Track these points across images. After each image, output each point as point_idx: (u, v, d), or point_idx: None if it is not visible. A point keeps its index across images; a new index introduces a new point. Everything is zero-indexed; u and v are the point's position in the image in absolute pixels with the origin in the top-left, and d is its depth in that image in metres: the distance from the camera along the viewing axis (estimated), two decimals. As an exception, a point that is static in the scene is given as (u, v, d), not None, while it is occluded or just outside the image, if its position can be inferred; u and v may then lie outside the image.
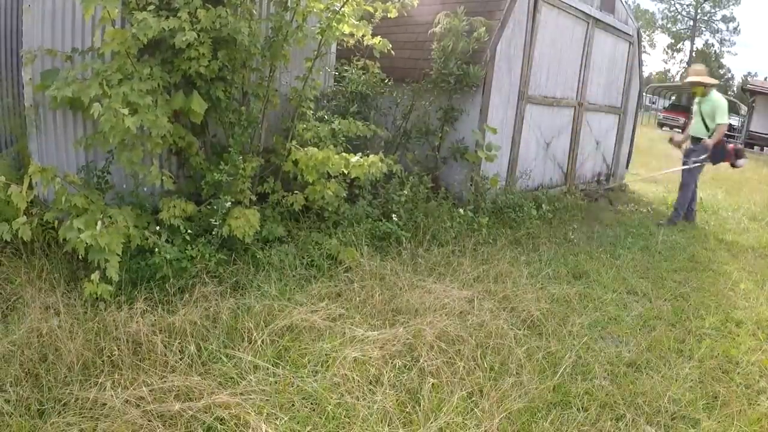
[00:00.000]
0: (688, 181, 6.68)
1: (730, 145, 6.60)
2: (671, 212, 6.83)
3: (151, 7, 3.32)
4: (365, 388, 2.56)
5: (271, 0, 4.37)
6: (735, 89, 51.31)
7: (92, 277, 2.92)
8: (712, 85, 6.52)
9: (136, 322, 2.79)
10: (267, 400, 2.42)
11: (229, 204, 3.67)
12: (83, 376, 2.47)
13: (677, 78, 55.41)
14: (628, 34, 8.18)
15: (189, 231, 3.53)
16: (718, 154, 6.39)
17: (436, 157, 5.87)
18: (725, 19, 55.31)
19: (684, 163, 6.71)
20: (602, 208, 7.26)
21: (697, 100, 6.63)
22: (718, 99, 6.42)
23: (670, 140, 7.29)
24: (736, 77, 57.12)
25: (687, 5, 56.42)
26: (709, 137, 6.38)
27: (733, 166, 6.64)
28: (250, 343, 2.81)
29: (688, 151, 6.72)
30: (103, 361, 2.57)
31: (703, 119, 6.47)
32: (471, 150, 5.71)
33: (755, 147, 24.08)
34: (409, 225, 4.69)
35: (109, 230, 3.05)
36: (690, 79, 6.68)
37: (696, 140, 6.59)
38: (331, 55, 5.39)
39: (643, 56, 9.62)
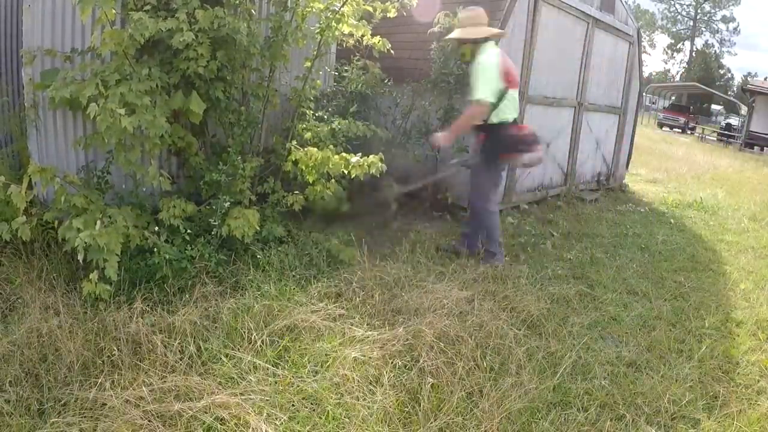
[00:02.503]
0: (474, 199, 4.35)
1: (523, 129, 4.29)
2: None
3: (148, 7, 3.32)
4: (365, 388, 2.56)
5: (270, 0, 4.37)
6: (735, 89, 51.38)
7: (90, 276, 2.92)
8: (485, 38, 4.10)
9: (136, 322, 2.79)
10: (267, 400, 2.42)
11: (228, 204, 3.67)
12: (83, 376, 2.47)
13: (677, 78, 55.53)
14: (628, 34, 8.18)
15: (189, 231, 3.52)
16: (492, 147, 4.14)
17: (437, 157, 5.87)
18: (725, 20, 55.50)
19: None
20: (600, 208, 7.26)
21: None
22: (479, 59, 4.03)
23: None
24: (736, 77, 57.26)
25: (687, 5, 56.60)
26: (485, 123, 4.09)
27: (514, 154, 4.23)
28: (250, 344, 2.81)
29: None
30: (102, 361, 2.57)
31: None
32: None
33: (755, 147, 24.14)
34: (409, 225, 4.69)
35: (108, 230, 3.04)
36: (452, 36, 4.29)
37: (479, 128, 4.21)
38: (330, 55, 5.39)
39: (643, 56, 9.62)
